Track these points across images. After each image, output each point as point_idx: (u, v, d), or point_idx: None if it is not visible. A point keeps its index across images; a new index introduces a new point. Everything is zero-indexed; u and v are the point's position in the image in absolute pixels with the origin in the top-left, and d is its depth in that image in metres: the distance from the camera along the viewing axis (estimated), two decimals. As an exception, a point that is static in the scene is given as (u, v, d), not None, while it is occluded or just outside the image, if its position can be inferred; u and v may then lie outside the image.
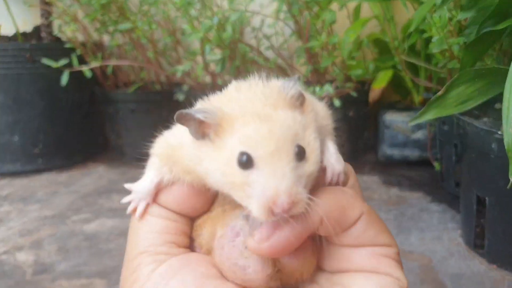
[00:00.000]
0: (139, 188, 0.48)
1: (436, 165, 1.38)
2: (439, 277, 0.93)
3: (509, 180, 0.80)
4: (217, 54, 1.37)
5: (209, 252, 0.47)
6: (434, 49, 1.10)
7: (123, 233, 1.16)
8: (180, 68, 1.36)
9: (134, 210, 0.48)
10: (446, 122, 1.32)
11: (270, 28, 1.58)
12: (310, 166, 0.42)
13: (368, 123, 1.73)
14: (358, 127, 1.68)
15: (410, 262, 0.98)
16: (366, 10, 1.71)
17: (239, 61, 1.42)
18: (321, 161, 0.46)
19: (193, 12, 1.36)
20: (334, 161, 0.48)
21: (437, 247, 1.03)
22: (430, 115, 1.02)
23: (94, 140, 1.88)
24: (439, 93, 0.99)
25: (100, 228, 1.21)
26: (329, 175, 0.47)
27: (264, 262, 0.44)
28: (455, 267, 0.96)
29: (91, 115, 1.82)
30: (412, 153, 1.58)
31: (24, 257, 1.07)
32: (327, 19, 1.30)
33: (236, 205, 0.44)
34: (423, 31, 1.21)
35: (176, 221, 0.49)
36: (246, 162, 0.40)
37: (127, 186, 0.49)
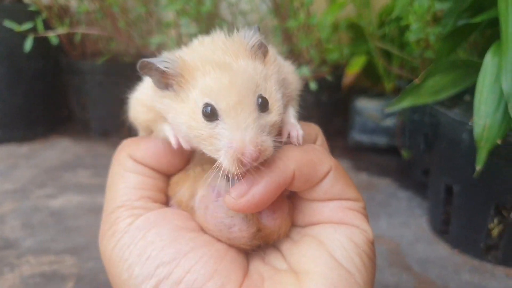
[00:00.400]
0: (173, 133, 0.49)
1: (404, 153, 1.42)
2: (406, 260, 0.96)
3: (476, 169, 0.84)
4: (193, 27, 1.33)
5: (187, 209, 0.50)
6: (411, 37, 1.12)
7: (92, 210, 1.13)
8: (154, 41, 1.32)
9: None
10: (416, 111, 1.35)
11: (246, 4, 1.55)
12: (273, 116, 0.44)
13: (340, 108, 1.74)
14: (330, 112, 1.69)
15: (379, 246, 1.01)
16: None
17: (215, 37, 1.39)
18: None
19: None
20: (295, 123, 0.50)
21: (405, 232, 1.07)
22: (405, 103, 1.04)
23: (58, 111, 1.79)
24: (416, 81, 1.01)
25: (67, 204, 1.17)
26: (293, 133, 0.48)
27: (249, 221, 0.47)
28: (421, 252, 1.00)
29: (55, 85, 1.73)
30: (381, 140, 1.61)
31: (-14, 232, 1.02)
32: (307, 1, 1.29)
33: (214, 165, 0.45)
34: (399, 19, 1.23)
35: (153, 177, 0.51)
36: (210, 113, 0.42)
37: (171, 136, 0.50)
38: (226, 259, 0.45)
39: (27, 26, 1.31)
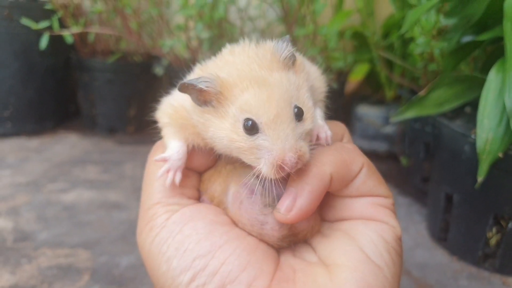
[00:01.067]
0: (174, 157, 0.51)
1: (403, 160, 1.46)
2: (406, 265, 1.00)
3: (476, 180, 0.88)
4: (206, 32, 1.37)
5: (219, 204, 0.53)
6: (417, 50, 1.16)
7: (102, 206, 1.17)
8: (167, 43, 1.35)
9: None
10: (417, 120, 1.40)
11: (255, 10, 1.59)
12: (308, 124, 0.47)
13: (341, 115, 1.79)
14: (331, 118, 1.72)
15: (381, 249, 1.05)
16: (349, 1, 1.75)
17: (227, 41, 1.43)
18: None
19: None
20: (322, 124, 0.52)
21: (404, 238, 1.11)
22: (410, 114, 1.08)
23: (66, 107, 1.83)
24: (421, 93, 1.06)
25: (78, 199, 1.20)
26: (322, 135, 0.51)
27: (281, 223, 0.49)
28: (420, 257, 1.04)
29: (65, 81, 1.76)
30: (381, 147, 1.66)
31: (2, 223, 1.05)
32: (317, 9, 1.33)
33: (245, 163, 0.48)
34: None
35: (186, 175, 0.53)
36: (251, 127, 0.44)
37: (159, 158, 0.52)
38: (258, 251, 0.47)
39: (44, 24, 1.34)
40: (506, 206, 0.95)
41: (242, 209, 0.50)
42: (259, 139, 0.44)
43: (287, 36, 0.50)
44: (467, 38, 1.07)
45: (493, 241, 0.99)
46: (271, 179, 0.45)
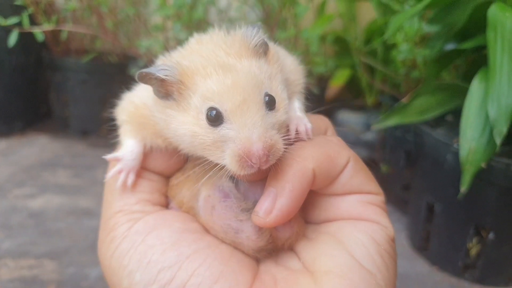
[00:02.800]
0: (127, 157, 0.46)
1: (383, 167, 1.45)
2: (386, 275, 0.98)
3: (459, 190, 0.87)
4: (184, 33, 1.32)
5: (189, 210, 0.48)
6: (399, 57, 1.15)
7: (73, 213, 1.11)
8: (144, 44, 1.30)
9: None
10: (398, 128, 1.39)
11: (236, 12, 1.55)
12: (281, 114, 0.42)
13: (322, 119, 1.77)
14: (312, 123, 1.71)
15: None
16: (331, 6, 1.74)
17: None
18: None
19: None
20: (301, 116, 0.46)
21: (385, 246, 1.09)
22: (392, 121, 1.07)
23: (36, 107, 1.75)
24: (404, 100, 1.04)
25: (46, 205, 1.14)
26: (301, 128, 0.46)
27: (259, 231, 0.44)
28: (401, 267, 1.02)
29: (36, 80, 1.69)
30: (361, 153, 1.63)
31: (-38, 232, 0.99)
32: (299, 13, 1.30)
33: (217, 165, 0.43)
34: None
35: (150, 179, 0.49)
36: (215, 117, 0.39)
37: (111, 156, 0.47)
38: (233, 260, 0.42)
39: (13, 20, 1.27)
40: (487, 217, 0.93)
41: (214, 214, 0.45)
42: (224, 129, 0.39)
43: (259, 23, 0.45)
44: (449, 46, 1.06)
45: (473, 252, 0.98)
46: (247, 180, 0.40)
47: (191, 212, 0.47)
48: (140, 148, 0.47)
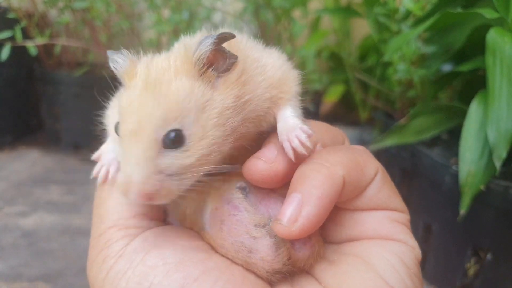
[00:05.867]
0: (105, 149, 0.44)
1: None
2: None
3: (457, 211, 0.87)
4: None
5: (193, 225, 0.43)
6: (396, 76, 1.15)
7: (66, 232, 1.09)
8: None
9: (105, 180, 0.43)
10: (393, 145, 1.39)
11: (230, 27, 1.55)
12: (188, 156, 0.36)
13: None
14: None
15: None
16: (325, 21, 1.75)
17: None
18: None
19: (158, 1, 1.30)
20: (293, 125, 0.40)
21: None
22: (390, 141, 1.07)
23: (27, 120, 1.72)
24: (402, 121, 1.05)
25: (39, 224, 1.11)
26: (294, 143, 0.38)
27: (278, 249, 0.39)
28: (399, 287, 1.02)
29: (27, 93, 1.66)
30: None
31: (-48, 254, 0.96)
32: (295, 32, 1.31)
33: (225, 174, 0.39)
34: (381, 54, 1.27)
35: None
36: (116, 133, 0.37)
37: (94, 155, 0.44)
38: (246, 284, 0.37)
39: (5, 34, 1.25)
40: (485, 238, 0.94)
41: (223, 230, 0.40)
42: (120, 146, 0.37)
43: (218, 33, 0.37)
44: (446, 67, 1.07)
45: (471, 272, 0.98)
46: (264, 190, 0.36)
47: (195, 227, 0.43)
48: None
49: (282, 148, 0.38)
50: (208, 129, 0.37)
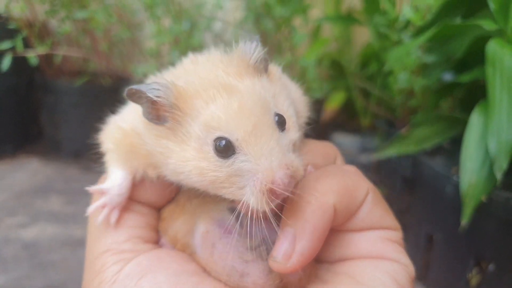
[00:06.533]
0: (114, 191, 0.41)
1: (380, 190, 1.44)
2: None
3: (459, 221, 0.87)
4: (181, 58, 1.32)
5: (184, 248, 0.43)
6: (397, 86, 1.16)
7: (67, 243, 1.09)
8: (140, 70, 1.29)
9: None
10: (394, 153, 1.39)
11: (231, 36, 1.55)
12: (294, 133, 0.38)
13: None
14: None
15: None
16: (326, 29, 1.75)
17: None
18: None
19: (158, 11, 1.30)
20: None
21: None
22: (392, 151, 1.07)
23: (27, 129, 1.72)
24: (404, 132, 1.05)
25: (40, 235, 1.11)
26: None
27: (268, 274, 0.39)
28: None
29: (27, 102, 1.66)
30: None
31: (-47, 267, 0.96)
32: (296, 41, 1.31)
33: (215, 195, 0.38)
34: (383, 63, 1.27)
35: (140, 213, 0.43)
36: (225, 148, 0.35)
37: (94, 188, 0.42)
38: None
39: (6, 45, 1.26)
40: (487, 248, 0.94)
41: (215, 254, 0.40)
42: (238, 162, 0.35)
43: (257, 36, 0.41)
44: (447, 76, 1.07)
45: (473, 282, 0.98)
46: (264, 214, 0.35)
47: (187, 250, 0.42)
48: (129, 181, 0.42)
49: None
50: (286, 110, 0.39)
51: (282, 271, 0.37)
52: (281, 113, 0.38)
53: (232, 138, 0.34)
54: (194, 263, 0.41)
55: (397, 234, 0.42)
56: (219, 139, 0.35)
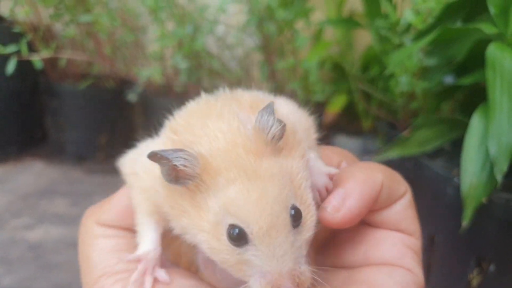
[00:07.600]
0: (149, 256, 0.41)
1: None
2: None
3: (460, 222, 0.88)
4: (185, 62, 1.33)
5: (189, 265, 0.42)
6: (398, 89, 1.17)
7: (72, 245, 1.09)
8: (144, 73, 1.31)
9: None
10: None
11: (234, 39, 1.57)
12: (307, 231, 0.36)
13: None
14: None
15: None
16: (328, 32, 1.76)
17: (205, 72, 1.40)
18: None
19: (162, 15, 1.32)
20: (320, 168, 0.42)
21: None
22: (393, 153, 1.08)
23: (31, 132, 1.74)
24: (405, 134, 1.06)
25: (45, 236, 1.12)
26: (324, 196, 0.41)
27: None
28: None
29: (31, 105, 1.68)
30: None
31: (-40, 268, 0.97)
32: (299, 44, 1.32)
33: None
34: (384, 66, 1.28)
35: (127, 238, 0.43)
36: (238, 237, 0.34)
37: (131, 258, 0.41)
38: None
39: (11, 49, 1.27)
40: (487, 249, 0.95)
41: (217, 272, 0.39)
42: (249, 254, 0.34)
43: (270, 103, 0.37)
44: (448, 79, 1.08)
45: (474, 283, 0.99)
46: None
47: (192, 268, 0.42)
48: (159, 242, 0.42)
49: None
50: (304, 197, 0.37)
51: (329, 221, 0.38)
52: (298, 203, 0.36)
53: (247, 230, 0.34)
54: (200, 281, 0.41)
55: (417, 244, 0.43)
56: (233, 226, 0.34)
